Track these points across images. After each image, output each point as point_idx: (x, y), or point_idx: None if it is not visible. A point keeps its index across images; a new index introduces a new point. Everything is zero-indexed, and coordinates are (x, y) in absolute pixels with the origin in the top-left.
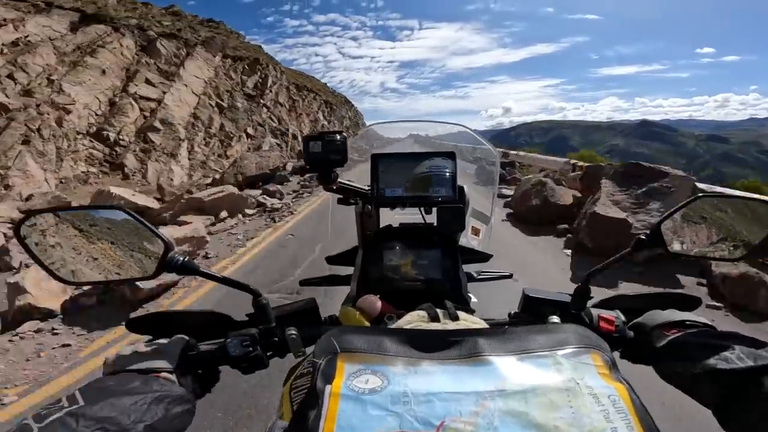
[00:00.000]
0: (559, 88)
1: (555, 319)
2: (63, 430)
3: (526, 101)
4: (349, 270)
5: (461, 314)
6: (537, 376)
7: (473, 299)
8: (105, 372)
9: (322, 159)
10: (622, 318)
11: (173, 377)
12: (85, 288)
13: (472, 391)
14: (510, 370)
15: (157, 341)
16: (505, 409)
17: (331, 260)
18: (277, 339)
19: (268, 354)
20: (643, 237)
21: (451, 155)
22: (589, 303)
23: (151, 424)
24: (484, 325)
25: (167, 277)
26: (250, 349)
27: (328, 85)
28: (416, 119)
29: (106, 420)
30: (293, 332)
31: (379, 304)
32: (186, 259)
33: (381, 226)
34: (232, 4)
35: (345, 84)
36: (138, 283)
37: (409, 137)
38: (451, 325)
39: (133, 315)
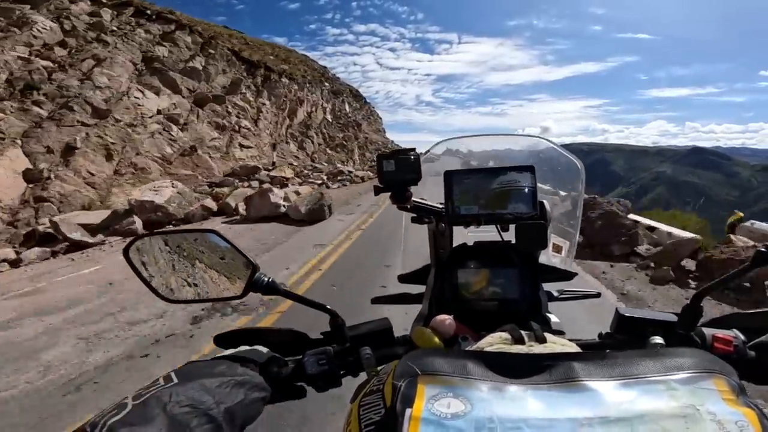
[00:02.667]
0: (601, 109)
1: (658, 340)
2: (154, 406)
3: (565, 121)
4: (420, 288)
5: (549, 336)
6: (646, 402)
7: (554, 319)
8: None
9: (397, 178)
10: (741, 337)
11: (256, 370)
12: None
13: (567, 417)
14: (612, 396)
15: (246, 348)
16: None
17: (403, 279)
18: (351, 358)
19: (342, 372)
20: (764, 249)
21: (530, 169)
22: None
23: (230, 406)
24: (575, 347)
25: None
26: (326, 367)
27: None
28: (492, 133)
29: (194, 399)
30: (368, 352)
31: (452, 324)
32: (270, 280)
33: (454, 244)
34: (277, 12)
35: (381, 95)
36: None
37: (482, 152)
38: (537, 348)
39: (219, 333)
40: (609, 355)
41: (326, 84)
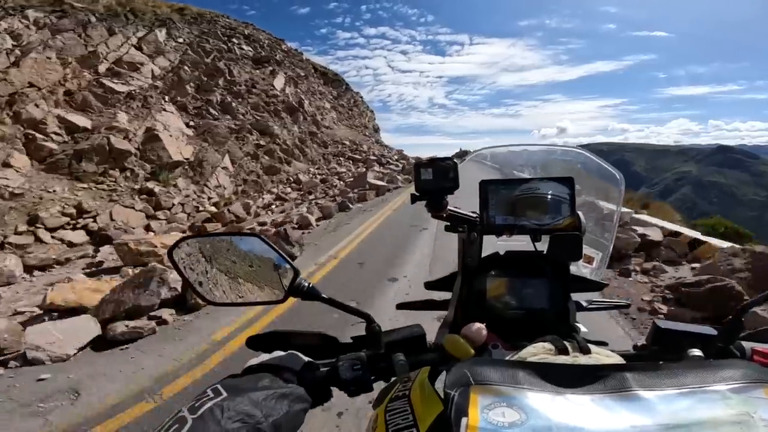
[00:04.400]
0: (619, 109)
1: (696, 352)
2: (211, 421)
3: (582, 121)
4: (445, 295)
5: (593, 347)
6: (702, 410)
7: (583, 329)
8: (243, 370)
9: (434, 186)
10: None
11: (294, 380)
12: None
13: (626, 426)
14: (668, 405)
15: (281, 354)
16: None
17: (430, 285)
18: (384, 364)
19: (372, 378)
20: None
21: (569, 181)
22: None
23: (276, 419)
24: (619, 359)
25: None
26: (360, 372)
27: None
28: (530, 143)
29: (244, 413)
30: (401, 358)
31: (484, 332)
32: (310, 285)
33: (484, 252)
34: (287, 17)
35: (393, 98)
36: None
37: (519, 163)
38: (583, 359)
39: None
40: (661, 366)
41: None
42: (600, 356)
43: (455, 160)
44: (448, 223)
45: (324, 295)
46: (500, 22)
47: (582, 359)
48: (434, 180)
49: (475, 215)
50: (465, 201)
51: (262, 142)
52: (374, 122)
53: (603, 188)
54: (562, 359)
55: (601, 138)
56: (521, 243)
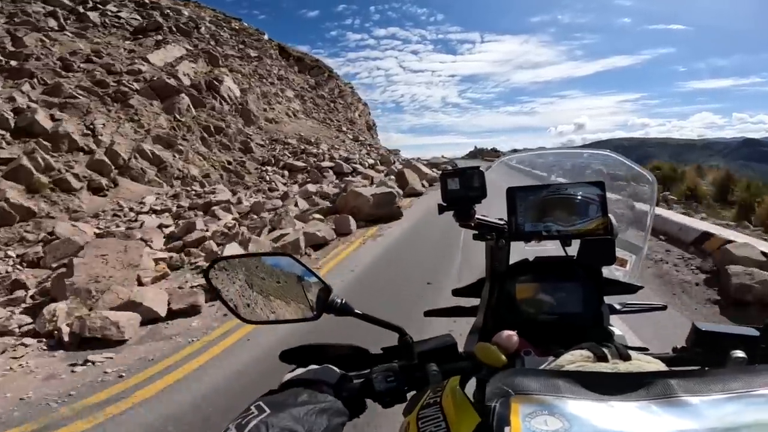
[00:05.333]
0: (639, 103)
1: (739, 354)
2: None
3: (600, 117)
4: (473, 301)
5: (633, 353)
6: (751, 414)
7: (618, 332)
8: (280, 385)
9: (462, 196)
10: None
11: (331, 393)
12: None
13: (674, 431)
14: (716, 410)
15: (316, 367)
16: None
17: (457, 292)
18: (418, 374)
19: (406, 388)
20: None
21: (599, 185)
22: None
23: None
24: (661, 364)
25: None
26: (395, 384)
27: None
28: (557, 148)
29: (288, 429)
30: (435, 368)
31: (516, 339)
32: (343, 302)
33: (511, 258)
34: (297, 20)
35: (406, 98)
36: None
37: (546, 169)
38: (623, 366)
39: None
40: (706, 371)
41: None
42: (641, 362)
43: (481, 168)
44: (476, 232)
45: (357, 311)
46: (511, 19)
47: (622, 366)
48: (461, 189)
49: (503, 222)
50: (486, 207)
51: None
52: (368, 117)
53: (633, 190)
54: (601, 366)
55: (621, 133)
56: (550, 249)
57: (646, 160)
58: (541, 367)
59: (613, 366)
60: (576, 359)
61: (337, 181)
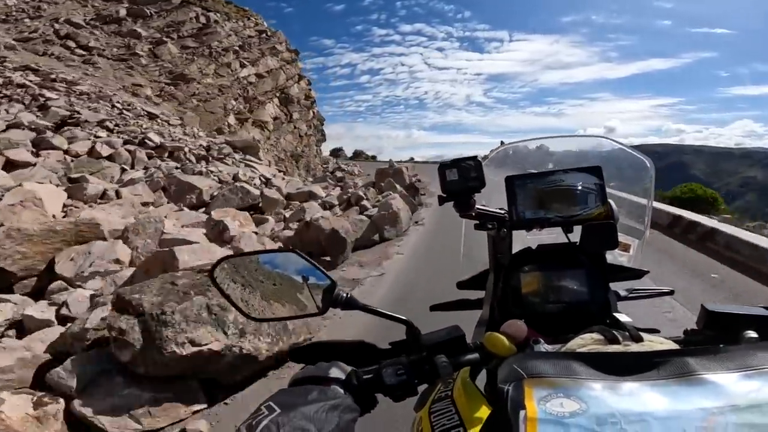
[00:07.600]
0: (675, 108)
1: (752, 334)
2: None
3: (633, 121)
4: (478, 294)
5: (645, 335)
6: None
7: (626, 319)
8: (289, 384)
9: (460, 186)
10: None
11: (341, 389)
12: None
13: (694, 408)
14: (736, 386)
15: (325, 364)
16: (740, 422)
17: (462, 285)
18: (427, 367)
19: (416, 381)
20: None
21: (596, 170)
22: None
23: (329, 431)
24: (674, 345)
25: None
26: (405, 377)
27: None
28: (551, 135)
29: (299, 428)
30: (444, 360)
31: (524, 327)
32: (348, 295)
33: (513, 247)
34: (323, 13)
35: (430, 95)
36: None
37: (541, 155)
38: (635, 347)
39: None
40: (722, 349)
41: None
42: (653, 343)
43: (479, 159)
44: (477, 222)
45: (363, 304)
46: (541, 18)
47: (634, 347)
48: (460, 180)
49: (503, 212)
50: (487, 197)
51: None
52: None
53: (632, 175)
54: (613, 348)
55: (655, 139)
56: (552, 236)
57: (681, 167)
58: (562, 350)
59: (625, 347)
60: (587, 343)
61: None
